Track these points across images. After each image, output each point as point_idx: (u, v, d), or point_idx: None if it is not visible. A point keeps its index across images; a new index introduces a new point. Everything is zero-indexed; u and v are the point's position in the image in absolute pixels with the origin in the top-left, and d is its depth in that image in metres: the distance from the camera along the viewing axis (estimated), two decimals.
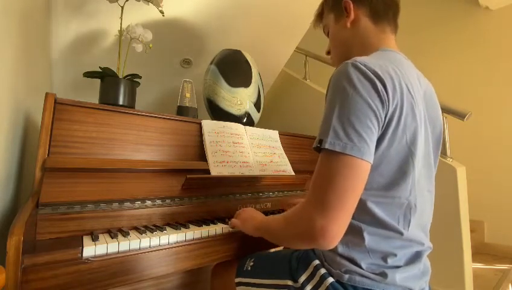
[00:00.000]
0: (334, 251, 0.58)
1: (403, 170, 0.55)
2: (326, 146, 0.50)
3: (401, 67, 0.59)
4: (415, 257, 0.58)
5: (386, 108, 0.52)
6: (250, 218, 0.76)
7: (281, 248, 0.96)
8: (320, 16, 0.77)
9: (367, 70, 0.52)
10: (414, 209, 0.57)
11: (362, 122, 0.50)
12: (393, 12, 0.68)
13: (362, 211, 0.56)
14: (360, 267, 0.55)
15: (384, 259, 0.55)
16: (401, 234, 0.56)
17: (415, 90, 0.58)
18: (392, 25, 0.68)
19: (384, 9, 0.66)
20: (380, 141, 0.53)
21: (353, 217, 0.55)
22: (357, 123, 0.50)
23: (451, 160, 1.34)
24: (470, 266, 1.27)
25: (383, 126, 0.52)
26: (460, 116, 1.32)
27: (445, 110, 1.37)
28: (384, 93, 0.51)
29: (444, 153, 1.37)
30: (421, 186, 0.60)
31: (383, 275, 0.54)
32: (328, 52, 0.78)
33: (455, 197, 1.27)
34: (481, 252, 2.23)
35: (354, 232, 0.56)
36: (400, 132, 0.54)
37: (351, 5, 0.67)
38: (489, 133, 2.41)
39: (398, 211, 0.56)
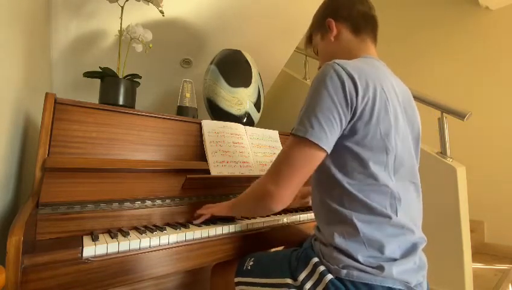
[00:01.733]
0: (331, 244, 0.60)
1: (379, 160, 0.60)
2: (293, 131, 0.61)
3: (377, 70, 0.67)
4: (410, 250, 0.59)
5: (352, 106, 0.59)
6: (220, 204, 0.85)
7: (280, 248, 0.96)
8: (309, 38, 0.87)
9: (341, 70, 0.60)
10: (399, 199, 0.61)
11: (325, 115, 0.58)
12: (372, 27, 0.76)
13: (351, 199, 0.60)
14: (357, 261, 0.56)
15: (380, 250, 0.57)
16: (390, 218, 0.59)
17: (389, 90, 0.65)
18: (371, 36, 0.76)
19: (364, 23, 0.75)
20: (354, 132, 0.60)
21: (344, 207, 0.61)
22: (320, 115, 0.58)
23: (451, 160, 1.34)
24: (470, 266, 1.27)
25: (351, 120, 0.59)
26: (460, 116, 1.32)
27: (445, 110, 1.37)
28: (353, 92, 0.58)
29: (444, 153, 1.37)
30: (401, 176, 0.63)
31: (380, 268, 0.55)
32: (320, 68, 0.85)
33: (455, 197, 1.27)
34: (481, 252, 2.23)
35: (346, 221, 0.60)
36: (372, 125, 0.59)
37: (333, 23, 0.76)
38: (489, 133, 2.41)
39: (384, 199, 0.60)
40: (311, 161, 0.60)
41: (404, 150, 0.65)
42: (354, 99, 0.58)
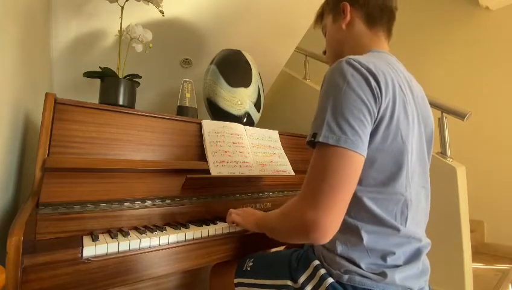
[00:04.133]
0: (334, 251, 0.59)
1: (397, 166, 0.56)
2: (320, 139, 0.51)
3: (393, 66, 0.62)
4: (414, 256, 0.58)
5: (378, 103, 0.53)
6: (251, 214, 0.77)
7: (280, 249, 0.96)
8: (320, 16, 0.81)
9: (360, 67, 0.54)
10: (410, 205, 0.57)
11: (355, 116, 0.51)
12: (387, 18, 0.70)
13: (359, 208, 0.56)
14: (360, 267, 0.55)
15: (384, 258, 0.56)
16: (399, 230, 0.56)
17: (406, 88, 0.60)
18: (386, 30, 0.71)
19: (380, 14, 0.69)
20: (374, 136, 0.54)
21: (350, 216, 0.57)
22: (350, 117, 0.50)
23: (451, 160, 1.34)
24: (470, 266, 1.27)
25: (375, 121, 0.53)
26: (460, 116, 1.32)
27: (445, 110, 1.37)
28: (377, 88, 0.53)
29: (444, 153, 1.37)
30: (415, 182, 0.60)
31: (383, 274, 0.54)
32: (325, 52, 0.81)
33: (455, 197, 1.27)
34: (481, 252, 2.23)
35: (352, 232, 0.57)
36: (393, 127, 0.54)
37: (348, 8, 0.70)
38: (489, 133, 2.41)
39: (395, 208, 0.56)
40: (352, 172, 0.50)
41: (419, 152, 0.62)
42: (379, 95, 0.52)
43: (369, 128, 0.52)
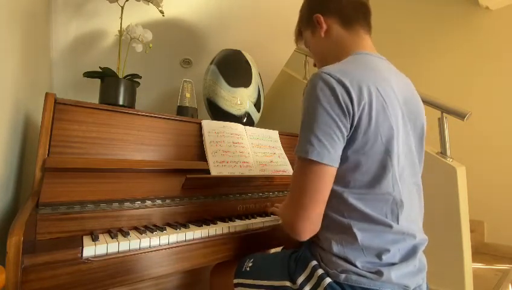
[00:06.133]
0: (330, 251, 0.59)
1: (381, 168, 0.58)
2: (295, 152, 0.59)
3: (373, 70, 0.63)
4: (410, 253, 0.59)
5: (349, 116, 0.56)
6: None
7: (279, 249, 0.96)
8: (299, 33, 0.84)
9: (329, 78, 0.57)
10: (401, 204, 0.59)
11: (323, 131, 0.56)
12: (363, 14, 0.71)
13: (349, 208, 0.58)
14: (356, 266, 0.56)
15: (379, 256, 0.56)
16: (391, 227, 0.57)
17: (386, 90, 0.61)
18: (364, 26, 0.72)
19: (354, 13, 0.71)
20: (353, 142, 0.57)
21: (343, 216, 0.59)
22: (319, 132, 0.56)
23: (451, 160, 1.34)
24: (470, 266, 1.27)
25: (350, 131, 0.57)
26: (460, 116, 1.32)
27: (445, 110, 1.37)
28: (347, 101, 0.56)
29: (444, 153, 1.37)
30: (404, 181, 0.61)
31: (379, 273, 0.55)
32: (315, 65, 0.84)
33: (455, 197, 1.27)
34: (481, 252, 2.23)
35: (345, 231, 0.58)
36: (372, 132, 0.57)
37: (321, 18, 0.72)
38: (489, 133, 2.41)
39: (385, 207, 0.58)
40: (320, 181, 0.56)
41: (406, 152, 0.63)
42: (350, 107, 0.55)
43: (338, 141, 0.56)
